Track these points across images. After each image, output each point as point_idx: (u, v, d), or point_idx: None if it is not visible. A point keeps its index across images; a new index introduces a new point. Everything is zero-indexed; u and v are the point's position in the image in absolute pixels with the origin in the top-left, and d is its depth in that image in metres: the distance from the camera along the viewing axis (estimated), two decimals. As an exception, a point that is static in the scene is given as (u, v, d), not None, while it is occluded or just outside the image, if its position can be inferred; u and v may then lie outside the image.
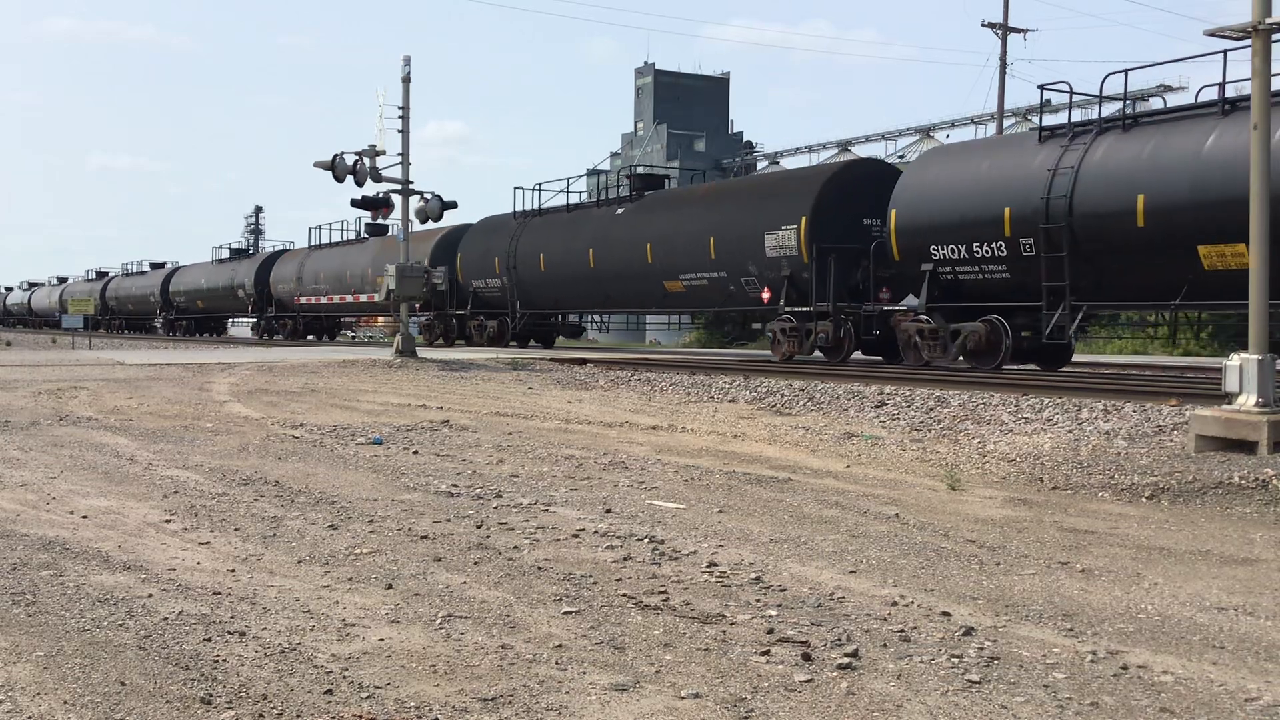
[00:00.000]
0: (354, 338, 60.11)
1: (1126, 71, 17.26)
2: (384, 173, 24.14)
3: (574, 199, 30.98)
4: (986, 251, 18.05)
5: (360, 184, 24.05)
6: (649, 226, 26.01)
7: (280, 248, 51.49)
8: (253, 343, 43.10)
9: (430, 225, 31.01)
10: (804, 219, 21.28)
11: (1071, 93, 17.98)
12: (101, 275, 73.00)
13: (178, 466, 9.10)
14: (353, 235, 43.37)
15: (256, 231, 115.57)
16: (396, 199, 24.90)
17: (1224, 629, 4.77)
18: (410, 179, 24.66)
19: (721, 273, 23.55)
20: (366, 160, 23.65)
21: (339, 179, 23.60)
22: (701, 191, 27.07)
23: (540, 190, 31.49)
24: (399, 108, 24.07)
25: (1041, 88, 18.88)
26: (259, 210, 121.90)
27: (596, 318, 33.96)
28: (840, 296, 21.03)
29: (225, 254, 54.01)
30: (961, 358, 18.79)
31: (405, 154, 24.39)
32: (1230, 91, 15.71)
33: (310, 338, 45.72)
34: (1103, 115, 17.42)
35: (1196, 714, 3.74)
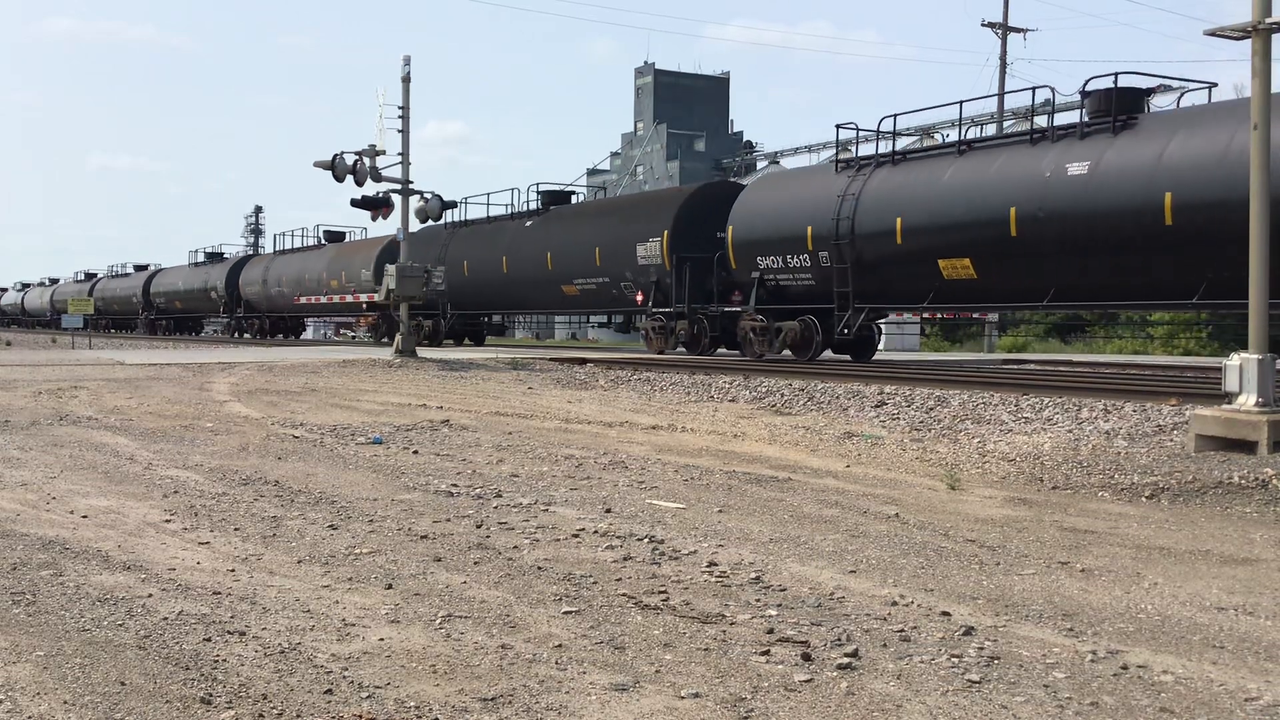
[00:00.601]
0: (354, 337, 60.65)
1: (895, 116, 21.05)
2: (384, 172, 24.14)
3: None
4: (797, 262, 21.74)
5: (360, 184, 24.06)
6: (551, 238, 29.53)
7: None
8: (251, 343, 43.92)
9: (376, 234, 35.68)
10: (666, 232, 24.91)
11: (858, 130, 21.78)
12: (91, 276, 75.07)
13: (178, 466, 9.10)
14: (312, 242, 46.38)
15: (256, 231, 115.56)
16: (396, 199, 24.89)
17: (1224, 629, 4.77)
18: (410, 179, 24.68)
19: (605, 278, 27.09)
20: (366, 160, 23.64)
21: (339, 179, 23.60)
22: (592, 207, 31.30)
23: (466, 204, 34.73)
24: (399, 108, 24.08)
25: (838, 126, 22.82)
26: (259, 210, 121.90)
27: (521, 318, 38.99)
28: (696, 299, 24.48)
29: (201, 257, 56.20)
30: (786, 350, 22.36)
31: (405, 154, 24.40)
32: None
33: (279, 336, 47.90)
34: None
35: (1196, 714, 3.74)
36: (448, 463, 9.54)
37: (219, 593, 5.10)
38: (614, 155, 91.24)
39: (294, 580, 5.39)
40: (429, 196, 25.24)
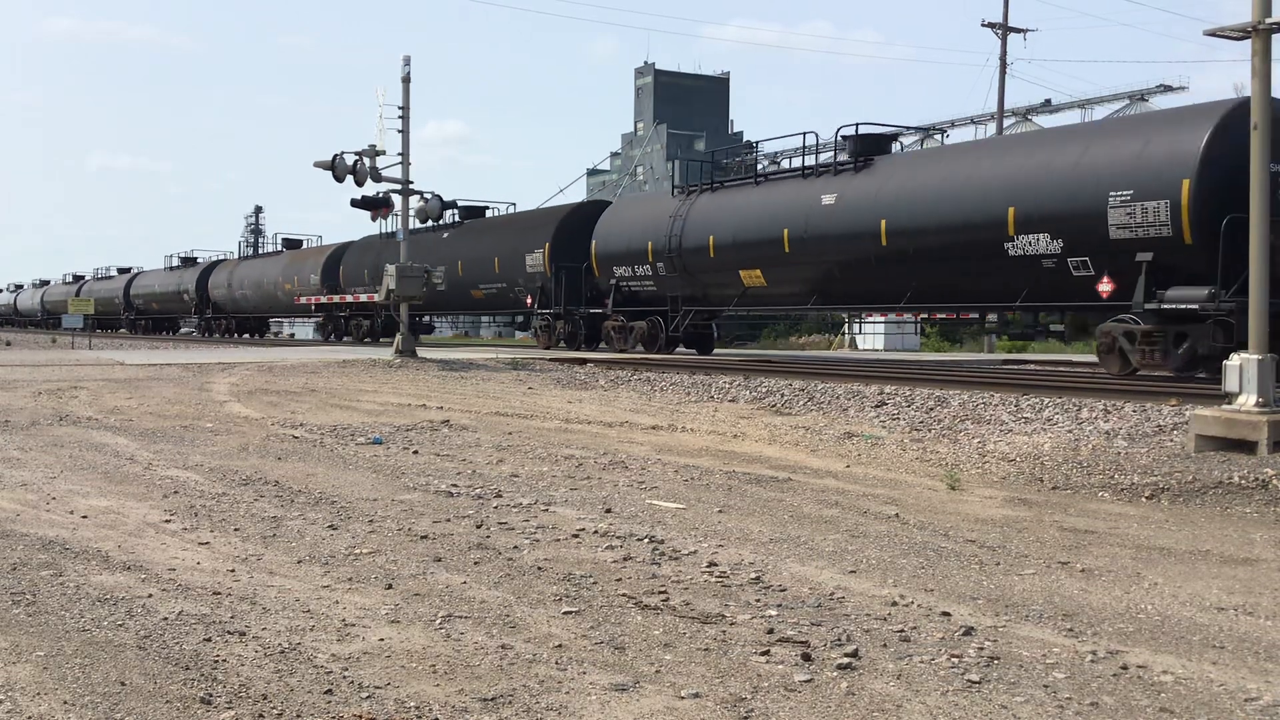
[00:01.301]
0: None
1: (714, 151, 25.87)
2: (384, 173, 24.12)
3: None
4: (642, 271, 26.28)
5: (360, 184, 24.04)
6: (463, 248, 33.82)
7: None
8: (250, 343, 45.39)
9: (323, 243, 41.68)
10: (547, 244, 29.21)
11: (687, 162, 27.05)
12: (79, 278, 79.03)
13: (178, 466, 9.10)
14: (270, 249, 51.88)
15: (257, 231, 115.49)
16: (397, 199, 24.88)
17: (1224, 629, 4.77)
18: (410, 179, 24.66)
19: (503, 284, 31.42)
20: (366, 160, 23.62)
21: (339, 179, 23.58)
22: (494, 222, 35.20)
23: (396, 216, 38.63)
24: (399, 108, 24.06)
25: (673, 160, 28.67)
26: (259, 210, 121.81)
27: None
28: (572, 301, 28.74)
29: (176, 262, 60.04)
30: (639, 346, 26.54)
31: (405, 154, 24.38)
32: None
33: (246, 335, 52.10)
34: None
35: (1196, 714, 3.74)
36: (448, 463, 9.53)
37: (219, 593, 5.10)
38: (614, 155, 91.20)
39: (294, 580, 5.39)
40: (429, 196, 25.24)
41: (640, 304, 26.77)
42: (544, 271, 29.22)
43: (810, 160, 22.70)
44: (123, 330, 64.30)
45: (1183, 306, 15.17)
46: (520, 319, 34.99)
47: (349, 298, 39.74)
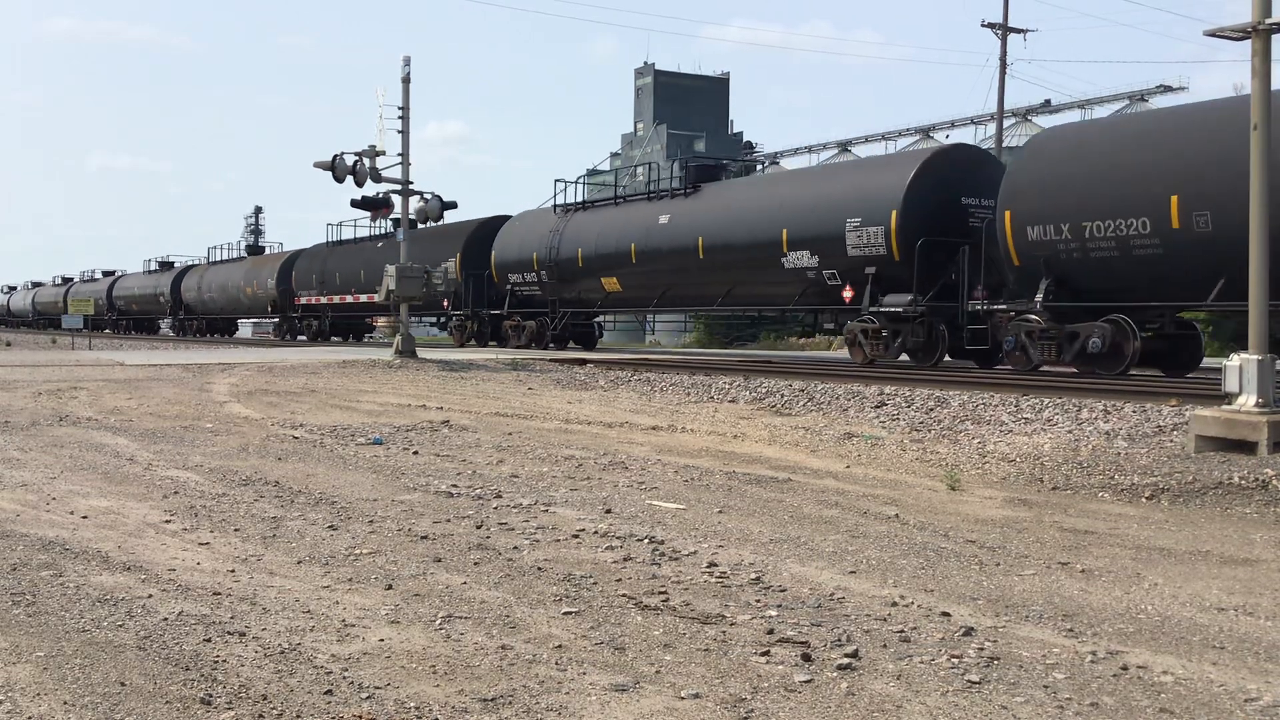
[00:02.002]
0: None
1: (587, 173, 29.11)
2: (384, 173, 24.10)
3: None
4: (530, 278, 30.74)
5: (360, 184, 24.03)
6: (393, 256, 36.61)
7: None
8: (250, 343, 46.91)
9: (280, 250, 46.48)
10: (458, 254, 32.27)
11: (566, 184, 31.36)
12: (67, 280, 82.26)
13: (178, 467, 9.10)
14: (236, 254, 56.04)
15: (256, 231, 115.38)
16: (396, 199, 24.87)
17: (1224, 629, 4.77)
18: (410, 179, 24.65)
19: (425, 289, 34.69)
20: (366, 160, 23.60)
21: (339, 179, 23.56)
22: (421, 233, 37.74)
23: (341, 227, 43.80)
24: (399, 108, 24.06)
25: (556, 181, 32.39)
26: (259, 210, 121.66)
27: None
28: (480, 304, 33.04)
29: (154, 265, 63.86)
30: (531, 343, 30.64)
31: (405, 154, 24.38)
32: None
33: (216, 335, 55.60)
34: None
35: (1196, 714, 3.74)
36: (448, 463, 9.53)
37: (219, 593, 5.10)
38: (614, 155, 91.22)
39: (294, 581, 5.39)
40: (429, 197, 25.21)
41: (532, 306, 31.21)
42: (456, 278, 33.46)
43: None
44: (106, 330, 66.69)
45: (894, 309, 19.83)
46: (442, 319, 38.99)
47: (300, 300, 44.08)
